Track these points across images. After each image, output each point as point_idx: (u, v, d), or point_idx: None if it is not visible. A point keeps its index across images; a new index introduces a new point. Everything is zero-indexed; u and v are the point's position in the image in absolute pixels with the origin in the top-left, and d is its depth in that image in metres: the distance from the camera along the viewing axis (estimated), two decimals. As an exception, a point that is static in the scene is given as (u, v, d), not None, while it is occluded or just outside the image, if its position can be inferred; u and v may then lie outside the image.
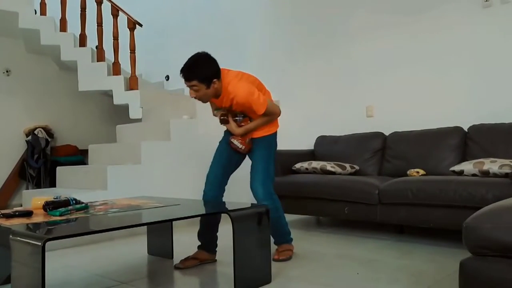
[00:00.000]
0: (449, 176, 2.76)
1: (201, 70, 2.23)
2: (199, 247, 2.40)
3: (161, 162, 3.57)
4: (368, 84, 3.96)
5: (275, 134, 2.58)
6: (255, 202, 2.41)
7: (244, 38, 5.05)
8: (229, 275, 2.11)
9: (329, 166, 3.40)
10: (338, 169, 3.38)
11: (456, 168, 2.79)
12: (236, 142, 2.43)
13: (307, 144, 4.20)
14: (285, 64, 4.61)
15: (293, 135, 4.48)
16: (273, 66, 4.70)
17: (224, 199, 2.50)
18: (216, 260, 2.42)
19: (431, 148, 3.18)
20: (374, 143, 3.58)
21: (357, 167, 3.50)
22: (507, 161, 2.60)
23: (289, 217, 3.90)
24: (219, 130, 3.97)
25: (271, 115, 2.43)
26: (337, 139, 3.85)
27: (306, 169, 3.52)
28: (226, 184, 2.52)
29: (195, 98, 2.33)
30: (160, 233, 2.56)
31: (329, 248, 2.69)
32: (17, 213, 1.82)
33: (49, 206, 1.87)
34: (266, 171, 2.45)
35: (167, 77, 5.91)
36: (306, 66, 4.44)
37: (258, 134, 2.49)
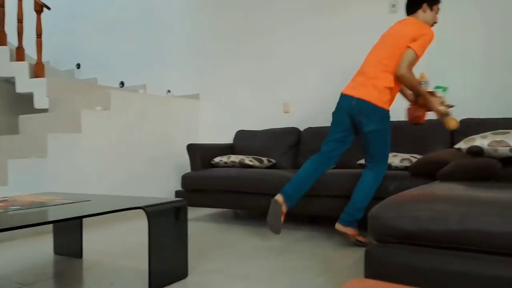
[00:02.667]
0: (357, 169, 2.95)
1: None
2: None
3: (70, 156, 3.34)
4: (286, 81, 4.07)
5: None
6: (172, 196, 2.36)
7: (162, 27, 4.91)
8: (143, 272, 2.05)
9: (248, 160, 3.45)
10: (256, 163, 3.45)
11: (362, 161, 2.98)
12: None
13: (227, 138, 4.22)
14: (206, 58, 4.57)
15: (213, 129, 4.47)
16: (193, 58, 4.64)
17: (142, 193, 2.42)
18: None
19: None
20: (290, 138, 3.71)
21: (273, 161, 3.60)
22: (407, 156, 2.85)
23: (207, 211, 3.91)
24: (135, 122, 3.84)
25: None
26: (256, 133, 3.92)
27: (225, 162, 3.54)
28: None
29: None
30: (68, 231, 2.40)
31: (246, 240, 2.73)
32: None
33: None
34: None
35: (78, 65, 5.55)
36: (228, 61, 4.44)
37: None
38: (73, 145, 3.37)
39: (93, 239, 2.79)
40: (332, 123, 2.56)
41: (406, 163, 2.79)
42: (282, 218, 2.47)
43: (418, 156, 2.87)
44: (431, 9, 2.50)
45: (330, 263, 2.17)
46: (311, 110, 3.88)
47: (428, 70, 3.02)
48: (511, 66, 3.10)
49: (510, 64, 3.10)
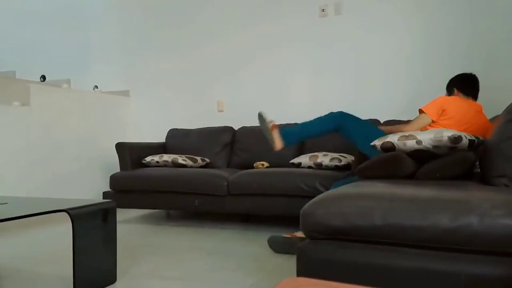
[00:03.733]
0: (290, 168, 3.02)
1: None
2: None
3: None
4: (219, 79, 4.06)
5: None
6: (100, 198, 2.25)
7: (88, 18, 4.66)
8: (68, 278, 1.93)
9: (181, 159, 3.39)
10: (190, 162, 3.40)
11: (295, 160, 3.06)
12: None
13: (159, 137, 4.11)
14: (136, 53, 4.42)
15: (144, 127, 4.34)
16: (124, 54, 4.46)
17: (66, 195, 2.27)
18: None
19: (275, 142, 3.43)
20: (224, 137, 3.70)
21: (208, 160, 3.57)
22: (336, 155, 2.96)
23: (138, 212, 3.78)
24: (57, 120, 3.60)
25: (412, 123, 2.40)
26: (189, 132, 3.86)
27: (157, 162, 3.45)
28: None
29: None
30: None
31: (178, 241, 2.68)
32: None
33: None
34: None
35: (-6, 57, 5.10)
36: (158, 57, 4.33)
37: None
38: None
39: (10, 245, 2.57)
40: None
41: (336, 162, 2.90)
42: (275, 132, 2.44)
43: (345, 155, 2.99)
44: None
45: (262, 261, 2.19)
46: (245, 109, 3.90)
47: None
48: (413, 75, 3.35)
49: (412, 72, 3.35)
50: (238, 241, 2.64)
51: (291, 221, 3.01)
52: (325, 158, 2.95)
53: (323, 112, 3.51)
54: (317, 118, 2.48)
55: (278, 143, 2.44)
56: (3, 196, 2.24)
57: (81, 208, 1.76)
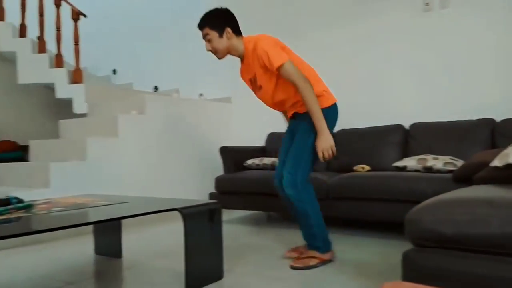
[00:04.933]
0: (392, 172, 2.91)
1: (212, 16, 2.23)
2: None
3: (108, 159, 3.45)
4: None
5: (327, 110, 2.20)
6: (206, 199, 2.40)
7: (193, 32, 4.99)
8: (179, 272, 2.09)
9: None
10: (288, 165, 3.45)
11: (399, 163, 2.94)
12: None
13: (259, 140, 4.24)
14: (237, 60, 4.61)
15: (245, 131, 4.51)
16: (226, 62, 4.68)
17: (177, 195, 2.47)
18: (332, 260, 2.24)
19: (375, 145, 3.34)
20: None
21: (306, 163, 3.59)
22: (447, 158, 2.77)
23: (240, 213, 3.95)
24: (168, 126, 3.92)
25: (295, 78, 2.07)
26: (287, 135, 3.92)
27: (257, 165, 3.56)
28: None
29: (210, 51, 2.26)
30: (108, 232, 2.49)
31: (279, 243, 2.74)
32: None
33: None
34: (297, 158, 2.17)
35: (114, 71, 5.72)
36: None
37: (302, 109, 2.21)
38: (110, 149, 3.48)
39: (131, 240, 2.87)
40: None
41: (450, 167, 2.69)
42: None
43: (458, 159, 2.79)
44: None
45: (364, 267, 2.14)
46: (343, 112, 3.84)
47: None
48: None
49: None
50: (338, 246, 2.61)
51: (395, 227, 2.89)
52: (436, 162, 2.76)
53: (427, 110, 3.32)
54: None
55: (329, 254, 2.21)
56: (123, 195, 2.51)
57: (191, 207, 1.90)
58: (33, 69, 4.18)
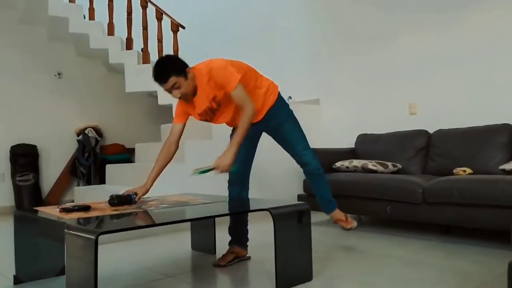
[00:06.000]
0: (498, 175, 2.66)
1: (172, 64, 2.13)
2: (230, 242, 2.43)
3: (204, 160, 3.63)
4: (410, 80, 3.86)
5: (281, 98, 2.58)
6: (294, 200, 2.43)
7: (283, 37, 5.06)
8: (269, 272, 2.14)
9: (371, 164, 3.36)
10: (380, 168, 3.33)
11: (506, 166, 2.68)
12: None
13: (348, 142, 4.15)
14: (325, 62, 4.58)
15: (334, 133, 4.46)
16: (314, 64, 4.69)
17: (265, 196, 2.55)
18: (249, 257, 2.45)
19: (478, 146, 3.07)
20: (418, 141, 3.49)
21: (399, 166, 3.43)
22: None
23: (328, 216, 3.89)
24: (260, 129, 4.02)
25: (244, 103, 2.12)
26: (379, 137, 3.79)
27: (347, 167, 3.50)
28: (248, 179, 2.52)
29: (179, 97, 2.19)
30: (203, 228, 2.64)
31: (370, 247, 2.66)
32: (76, 208, 1.93)
33: (114, 201, 2.03)
34: (304, 138, 2.63)
35: (209, 77, 6.01)
36: (347, 63, 4.39)
37: (262, 112, 2.42)
38: (205, 150, 3.66)
39: (224, 237, 3.00)
40: None
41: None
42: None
43: None
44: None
45: (465, 277, 1.99)
46: (441, 111, 3.61)
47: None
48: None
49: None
50: (436, 253, 2.46)
51: (499, 235, 2.65)
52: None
53: None
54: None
55: (351, 221, 2.75)
56: (219, 195, 2.64)
57: (281, 208, 1.94)
58: (138, 79, 4.58)
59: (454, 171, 2.98)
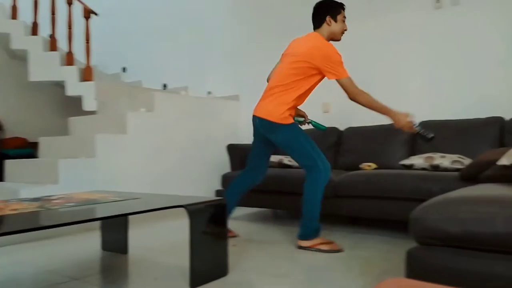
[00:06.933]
0: (399, 170, 2.89)
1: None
2: None
3: (117, 155, 3.48)
4: (324, 81, 4.03)
5: (289, 128, 2.65)
6: (212, 196, 2.41)
7: (203, 31, 5.00)
8: (184, 268, 2.10)
9: (286, 160, 3.46)
10: (295, 163, 3.44)
11: (406, 162, 2.91)
12: None
13: (266, 138, 4.23)
14: (245, 59, 4.61)
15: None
16: (232, 60, 4.69)
17: (185, 192, 2.49)
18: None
19: (383, 143, 3.31)
20: (330, 138, 3.67)
21: (313, 162, 3.57)
22: (455, 157, 2.74)
23: (246, 211, 3.95)
24: (177, 123, 3.94)
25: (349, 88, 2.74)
26: (295, 134, 3.91)
27: (264, 163, 3.55)
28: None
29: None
30: (114, 228, 2.51)
31: (285, 240, 2.74)
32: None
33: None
34: (303, 155, 2.56)
35: (124, 69, 5.76)
36: (266, 61, 4.45)
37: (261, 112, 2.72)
38: (119, 145, 3.50)
39: (137, 236, 2.89)
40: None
41: (458, 165, 2.67)
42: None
43: (466, 158, 2.76)
44: (336, 20, 2.51)
45: (370, 265, 2.13)
46: (351, 110, 3.82)
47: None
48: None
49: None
50: (345, 243, 2.60)
51: (400, 225, 2.87)
52: (443, 160, 2.74)
53: (434, 108, 3.30)
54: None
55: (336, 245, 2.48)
56: (132, 192, 2.53)
57: (197, 204, 1.91)
58: (44, 67, 4.23)
59: (361, 166, 3.18)
